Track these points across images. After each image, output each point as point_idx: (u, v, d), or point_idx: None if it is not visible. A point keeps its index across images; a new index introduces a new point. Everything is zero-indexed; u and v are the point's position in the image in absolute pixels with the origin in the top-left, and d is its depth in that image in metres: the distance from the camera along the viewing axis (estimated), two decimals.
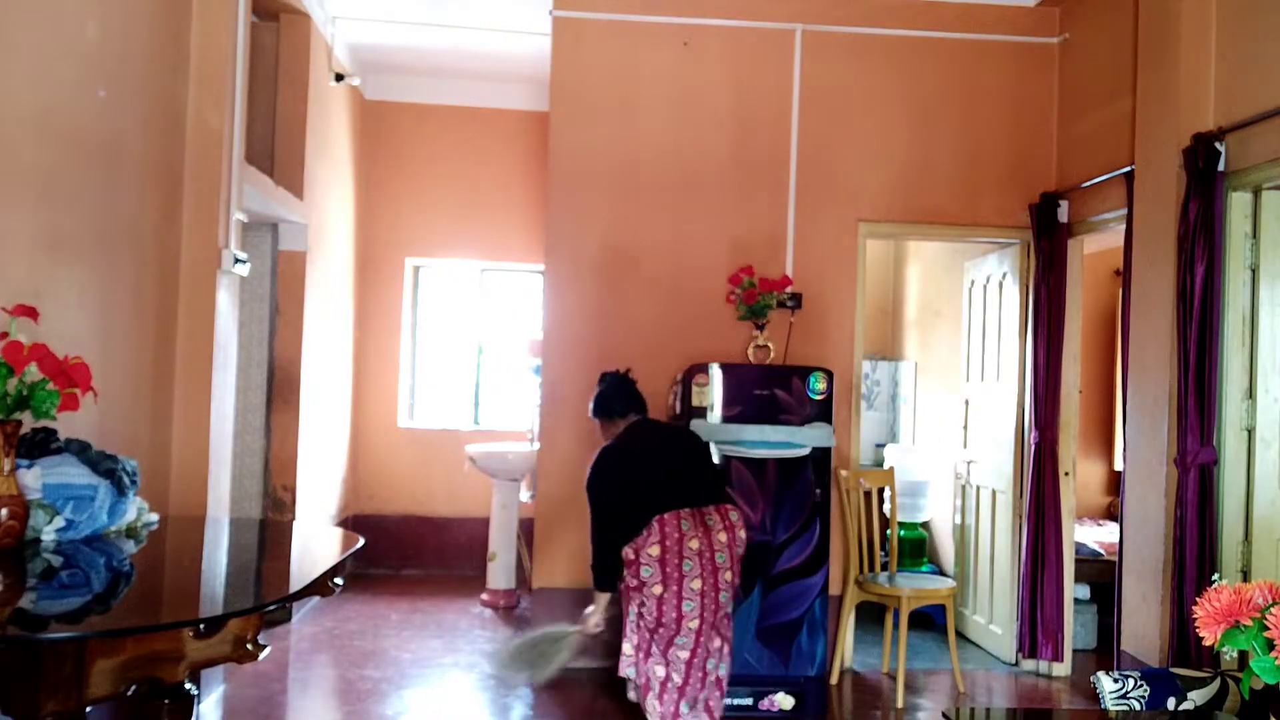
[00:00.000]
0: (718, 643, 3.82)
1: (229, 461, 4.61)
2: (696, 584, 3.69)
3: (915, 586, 5.01)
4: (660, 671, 3.74)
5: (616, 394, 4.09)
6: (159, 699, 2.56)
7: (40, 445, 2.82)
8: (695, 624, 3.71)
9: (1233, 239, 3.96)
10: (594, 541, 3.84)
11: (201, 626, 2.15)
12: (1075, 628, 5.54)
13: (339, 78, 6.46)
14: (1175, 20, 4.22)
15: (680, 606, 3.69)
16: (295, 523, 5.59)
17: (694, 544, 3.71)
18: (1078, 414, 5.35)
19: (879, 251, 7.28)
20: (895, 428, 7.31)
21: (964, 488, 6.05)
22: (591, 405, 4.14)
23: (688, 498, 3.79)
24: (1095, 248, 6.33)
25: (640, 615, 3.76)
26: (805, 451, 4.69)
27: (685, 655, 3.73)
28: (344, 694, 4.81)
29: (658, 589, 3.69)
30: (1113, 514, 7.02)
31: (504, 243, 7.56)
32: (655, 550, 3.69)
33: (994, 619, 5.62)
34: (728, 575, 3.76)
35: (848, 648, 5.32)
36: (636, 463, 3.89)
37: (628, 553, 3.74)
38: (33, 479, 2.65)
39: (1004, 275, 5.65)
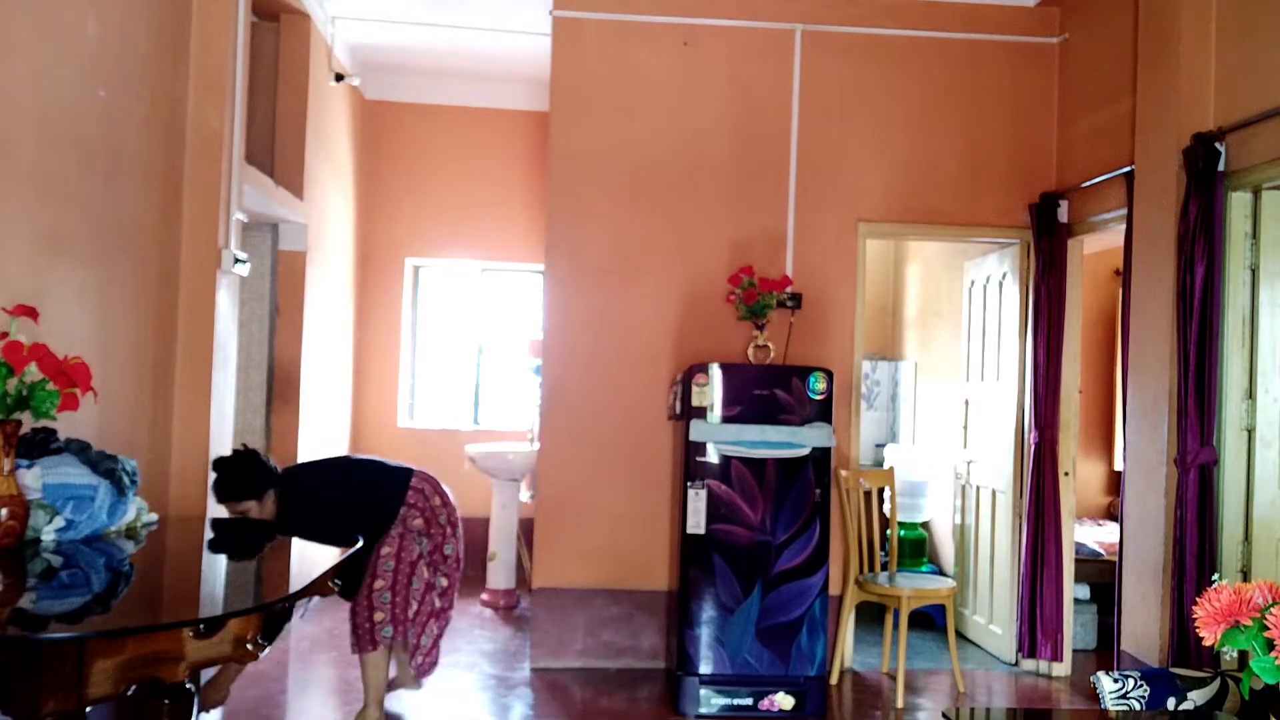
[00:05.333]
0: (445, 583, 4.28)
1: None
2: (452, 542, 4.22)
3: (915, 586, 5.01)
4: (414, 607, 4.13)
5: (252, 474, 3.85)
6: (159, 699, 2.56)
7: (40, 445, 2.82)
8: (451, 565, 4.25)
9: (1233, 239, 3.96)
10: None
11: (201, 626, 2.15)
12: (1075, 628, 5.55)
13: (339, 78, 6.46)
14: (1175, 20, 4.22)
15: (443, 549, 4.18)
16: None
17: (435, 501, 4.17)
18: (1078, 414, 5.35)
19: (879, 251, 7.28)
20: (895, 428, 7.31)
21: (964, 488, 6.05)
22: (236, 491, 3.84)
23: (404, 474, 4.17)
24: (1095, 248, 6.33)
25: (413, 573, 4.09)
26: (805, 451, 4.69)
27: (440, 602, 4.22)
28: (344, 694, 4.81)
29: (426, 543, 4.14)
30: (1113, 514, 7.02)
31: (504, 243, 7.56)
32: (419, 523, 4.12)
33: (994, 619, 5.62)
34: (459, 529, 4.27)
35: (848, 648, 5.32)
36: (335, 493, 4.07)
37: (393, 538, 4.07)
38: (33, 479, 2.65)
39: (1004, 275, 5.65)
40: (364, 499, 4.10)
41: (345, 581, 4.19)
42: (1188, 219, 4.01)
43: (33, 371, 2.48)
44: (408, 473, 4.18)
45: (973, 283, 6.05)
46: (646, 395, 5.32)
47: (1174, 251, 4.14)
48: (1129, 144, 4.64)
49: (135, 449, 3.66)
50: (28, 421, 2.59)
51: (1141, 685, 2.73)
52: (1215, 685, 2.78)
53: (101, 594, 2.45)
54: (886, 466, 6.61)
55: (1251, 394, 3.96)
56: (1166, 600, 4.11)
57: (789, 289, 5.20)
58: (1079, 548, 5.84)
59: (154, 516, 3.09)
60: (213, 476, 3.86)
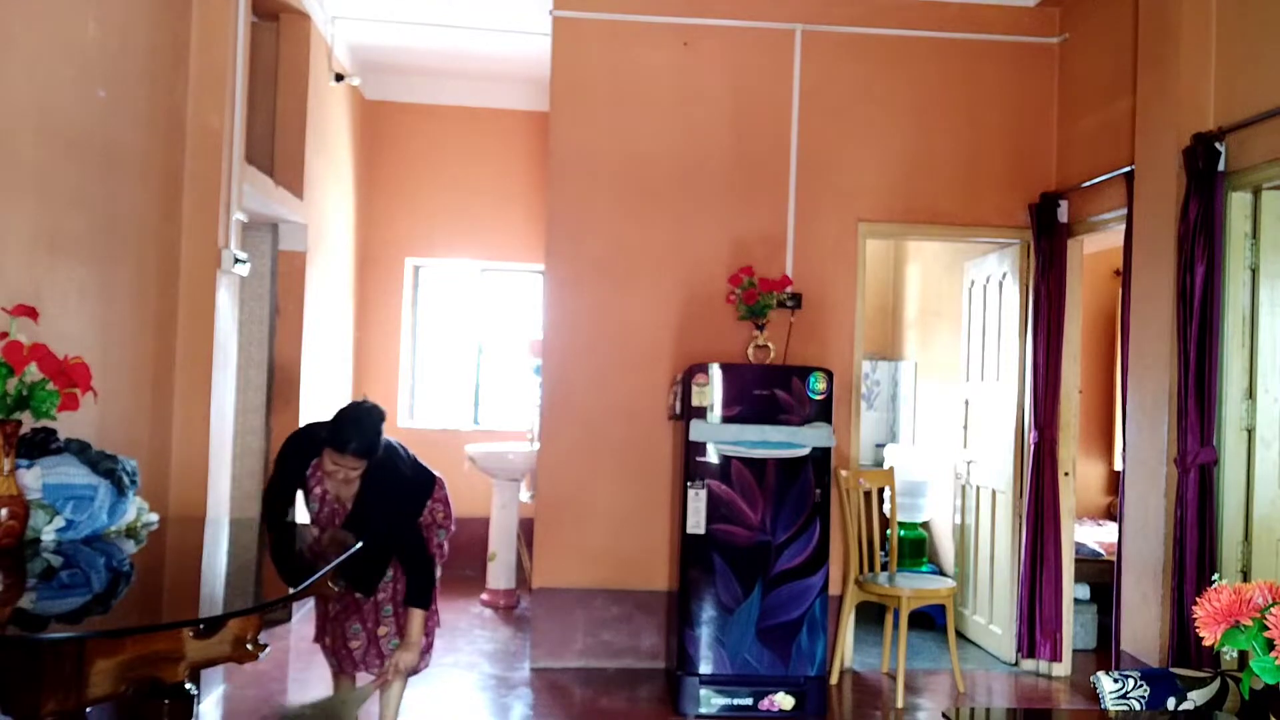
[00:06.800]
0: None
1: (229, 461, 4.61)
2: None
3: (915, 586, 5.01)
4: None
5: (380, 431, 3.40)
6: (159, 699, 2.56)
7: (40, 445, 2.82)
8: None
9: (1233, 239, 3.96)
10: (421, 561, 3.57)
11: (201, 626, 2.15)
12: (1075, 628, 5.54)
13: (339, 78, 6.46)
14: (1175, 20, 4.22)
15: (444, 544, 3.83)
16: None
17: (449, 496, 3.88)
18: (1078, 414, 5.35)
19: (879, 251, 7.28)
20: (895, 428, 7.31)
21: (964, 488, 6.05)
22: (370, 446, 3.35)
23: (426, 470, 3.84)
24: (1095, 248, 6.32)
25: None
26: (805, 451, 4.69)
27: None
28: None
29: (445, 535, 3.81)
30: (1113, 514, 7.02)
31: (504, 243, 7.56)
32: (441, 516, 3.81)
33: (994, 619, 5.62)
34: None
35: (848, 648, 5.32)
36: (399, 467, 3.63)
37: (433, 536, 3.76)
38: (33, 479, 2.65)
39: (1004, 275, 5.65)
40: (411, 479, 3.67)
41: (350, 582, 3.95)
42: (1188, 219, 4.01)
43: (33, 371, 2.47)
44: (428, 469, 3.84)
45: (973, 283, 6.05)
46: (646, 395, 5.32)
47: (1174, 251, 4.14)
48: (1129, 144, 4.64)
49: (135, 449, 3.66)
50: (28, 421, 2.59)
51: (1141, 685, 2.72)
52: (1215, 685, 2.78)
53: (101, 594, 2.45)
54: (886, 466, 6.61)
55: (1251, 394, 3.96)
56: (1166, 600, 4.11)
57: (789, 289, 5.20)
58: (1079, 548, 5.84)
59: (154, 516, 3.08)
60: (353, 420, 3.31)
